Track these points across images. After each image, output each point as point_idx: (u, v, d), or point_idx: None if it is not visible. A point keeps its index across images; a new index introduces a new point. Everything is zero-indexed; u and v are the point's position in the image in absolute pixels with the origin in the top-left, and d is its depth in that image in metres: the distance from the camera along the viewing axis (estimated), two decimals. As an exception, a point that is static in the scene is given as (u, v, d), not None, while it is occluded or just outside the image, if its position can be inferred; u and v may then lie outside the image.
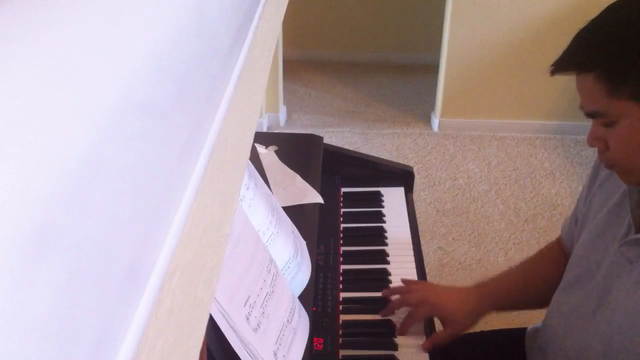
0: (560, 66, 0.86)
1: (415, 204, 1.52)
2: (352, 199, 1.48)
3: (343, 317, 1.16)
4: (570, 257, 1.05)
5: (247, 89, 0.45)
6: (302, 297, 1.05)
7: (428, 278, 1.36)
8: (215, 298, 0.79)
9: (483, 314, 1.15)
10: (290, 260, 1.06)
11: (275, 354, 0.87)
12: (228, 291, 0.83)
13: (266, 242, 1.01)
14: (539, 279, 1.18)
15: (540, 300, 1.17)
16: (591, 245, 0.98)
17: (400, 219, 1.43)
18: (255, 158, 1.21)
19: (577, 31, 0.86)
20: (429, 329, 1.15)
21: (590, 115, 0.86)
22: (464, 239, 2.49)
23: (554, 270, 1.15)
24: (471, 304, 1.13)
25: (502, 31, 3.05)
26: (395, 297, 1.18)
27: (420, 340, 1.12)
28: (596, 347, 0.93)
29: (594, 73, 0.81)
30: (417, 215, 1.50)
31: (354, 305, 1.19)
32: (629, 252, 0.90)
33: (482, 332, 1.34)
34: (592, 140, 0.88)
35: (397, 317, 1.16)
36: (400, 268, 1.29)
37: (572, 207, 1.14)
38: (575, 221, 1.10)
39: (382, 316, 1.16)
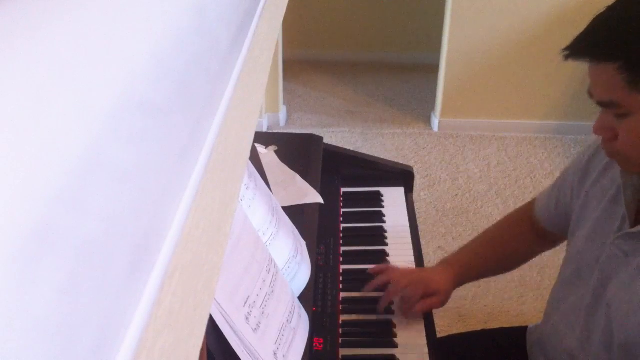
0: (577, 51, 0.84)
1: (415, 204, 1.52)
2: (352, 199, 1.48)
3: (343, 317, 1.16)
4: (568, 253, 1.06)
5: (247, 89, 0.45)
6: (302, 297, 1.05)
7: (428, 278, 1.36)
8: (215, 298, 0.79)
9: (455, 288, 1.19)
10: (290, 260, 1.06)
11: (275, 354, 0.87)
12: (228, 291, 0.83)
13: (266, 242, 1.01)
14: (507, 248, 1.23)
15: (509, 267, 1.27)
16: (589, 241, 0.99)
17: (400, 219, 1.43)
18: (255, 158, 1.21)
19: (595, 16, 0.83)
20: (430, 327, 1.15)
21: (602, 104, 0.84)
22: (464, 239, 2.49)
23: (522, 240, 1.22)
24: (450, 280, 1.17)
25: (502, 31, 3.05)
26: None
27: (420, 340, 1.12)
28: (597, 341, 0.93)
29: (616, 64, 0.79)
30: (417, 215, 1.50)
31: (354, 305, 1.19)
32: (624, 245, 0.90)
33: (482, 331, 1.34)
34: (600, 129, 0.87)
35: (397, 317, 1.16)
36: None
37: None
38: (556, 202, 1.12)
39: (380, 309, 1.16)
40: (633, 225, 0.90)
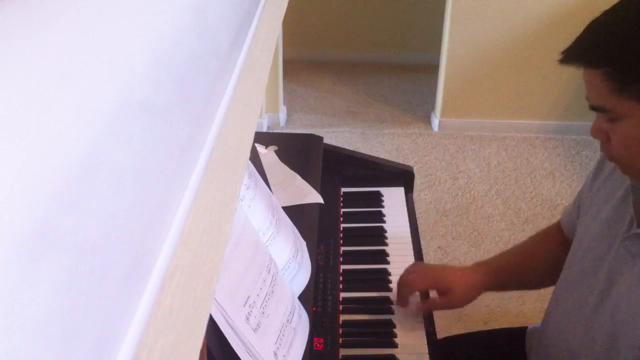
0: (569, 56, 0.85)
1: (415, 204, 1.52)
2: (352, 199, 1.48)
3: (343, 317, 1.16)
4: (571, 253, 1.05)
5: (247, 89, 0.45)
6: (302, 297, 1.05)
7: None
8: (215, 298, 0.79)
9: (481, 292, 1.16)
10: (290, 260, 1.06)
11: (275, 354, 0.87)
12: (228, 291, 0.83)
13: (266, 242, 1.01)
14: (538, 259, 1.20)
15: (537, 281, 1.21)
16: (595, 241, 0.98)
17: (400, 219, 1.43)
18: (255, 158, 1.21)
19: (590, 21, 0.84)
20: (430, 327, 1.15)
21: (594, 108, 0.85)
22: (464, 239, 2.49)
23: (552, 251, 1.18)
24: (471, 281, 1.14)
25: (502, 31, 3.05)
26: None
27: (420, 341, 1.12)
28: (599, 341, 0.92)
29: (601, 70, 0.80)
30: (417, 215, 1.50)
31: (354, 305, 1.19)
32: (632, 246, 0.89)
33: (482, 332, 1.34)
34: (595, 132, 0.88)
35: (397, 317, 1.16)
36: (400, 268, 1.28)
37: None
38: (577, 211, 1.10)
39: (400, 305, 1.17)
40: None
